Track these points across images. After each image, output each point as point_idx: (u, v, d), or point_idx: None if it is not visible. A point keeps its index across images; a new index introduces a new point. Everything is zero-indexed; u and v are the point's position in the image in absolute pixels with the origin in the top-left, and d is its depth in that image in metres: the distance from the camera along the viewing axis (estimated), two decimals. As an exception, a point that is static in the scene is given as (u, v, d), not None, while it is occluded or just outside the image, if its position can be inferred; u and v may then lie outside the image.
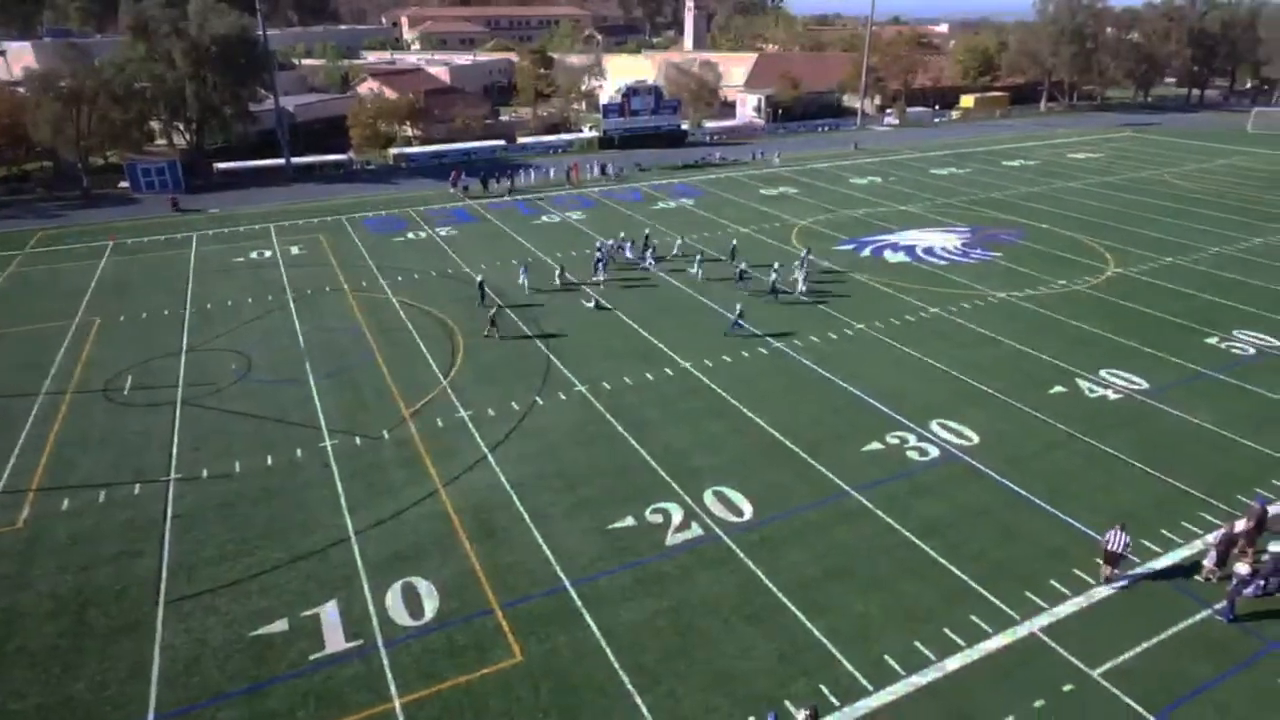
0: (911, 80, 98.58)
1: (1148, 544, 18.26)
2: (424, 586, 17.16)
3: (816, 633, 15.89)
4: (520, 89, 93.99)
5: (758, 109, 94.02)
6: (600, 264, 36.76)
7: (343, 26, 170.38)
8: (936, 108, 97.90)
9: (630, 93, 73.97)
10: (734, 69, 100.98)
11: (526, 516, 19.54)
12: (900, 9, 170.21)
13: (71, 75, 54.67)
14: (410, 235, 45.03)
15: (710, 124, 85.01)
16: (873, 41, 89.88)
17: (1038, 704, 14.27)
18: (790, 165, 65.47)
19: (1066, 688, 14.63)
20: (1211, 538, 17.63)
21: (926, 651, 15.41)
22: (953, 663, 15.17)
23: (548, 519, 19.44)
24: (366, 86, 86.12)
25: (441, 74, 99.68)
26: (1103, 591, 16.96)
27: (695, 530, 18.99)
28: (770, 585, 17.18)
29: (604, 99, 77.83)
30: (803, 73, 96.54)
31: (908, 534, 18.83)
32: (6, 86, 60.04)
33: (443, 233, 45.42)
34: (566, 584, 17.26)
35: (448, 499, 20.25)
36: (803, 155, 70.25)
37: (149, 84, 59.46)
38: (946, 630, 15.91)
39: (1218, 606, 16.39)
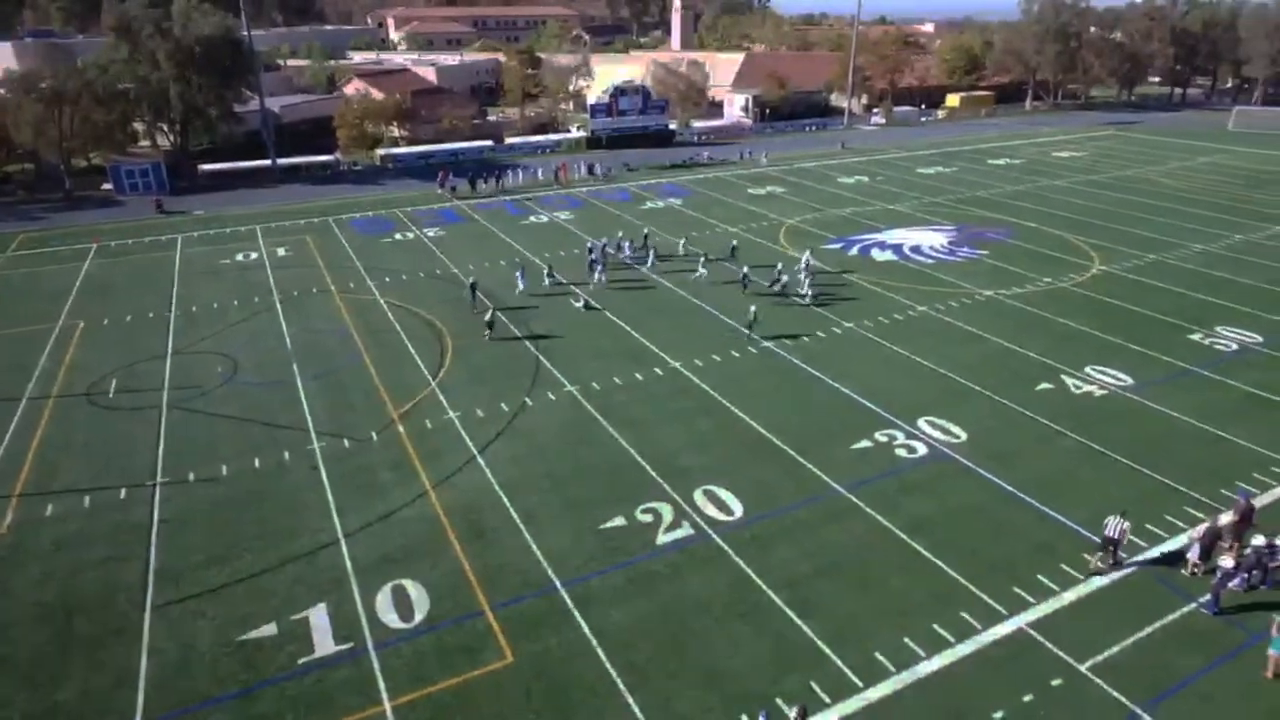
0: (898, 80, 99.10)
1: (1133, 539, 18.39)
2: (414, 589, 17.10)
3: (807, 630, 15.94)
4: (507, 89, 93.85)
5: (745, 109, 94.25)
6: (600, 266, 36.27)
7: (328, 27, 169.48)
8: (923, 107, 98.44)
9: (618, 93, 73.94)
10: (721, 69, 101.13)
11: (516, 517, 19.50)
12: (886, 8, 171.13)
13: (53, 76, 54.18)
14: (398, 236, 44.84)
15: (698, 124, 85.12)
16: (859, 41, 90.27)
17: (1027, 698, 14.38)
18: (778, 165, 65.64)
19: (1055, 682, 14.75)
20: (1195, 532, 17.81)
21: (916, 648, 15.49)
22: (942, 659, 15.26)
23: (538, 520, 19.41)
24: (353, 87, 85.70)
25: (428, 74, 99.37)
26: (1090, 586, 17.10)
27: (686, 529, 19.01)
28: (761, 583, 17.22)
29: (592, 99, 77.79)
30: (790, 72, 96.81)
31: (897, 531, 18.93)
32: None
33: (430, 233, 45.27)
34: (557, 584, 17.24)
35: (437, 500, 20.19)
36: (790, 155, 70.45)
37: (132, 85, 58.98)
38: (936, 626, 16.00)
39: (1202, 600, 16.57)
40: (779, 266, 35.29)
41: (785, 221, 47.23)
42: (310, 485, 20.88)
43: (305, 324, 31.77)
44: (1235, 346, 29.09)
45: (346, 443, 22.92)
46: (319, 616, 16.32)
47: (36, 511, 19.93)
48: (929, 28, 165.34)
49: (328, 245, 43.05)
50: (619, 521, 19.31)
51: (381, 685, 14.74)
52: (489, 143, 73.92)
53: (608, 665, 15.17)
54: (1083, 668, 15.04)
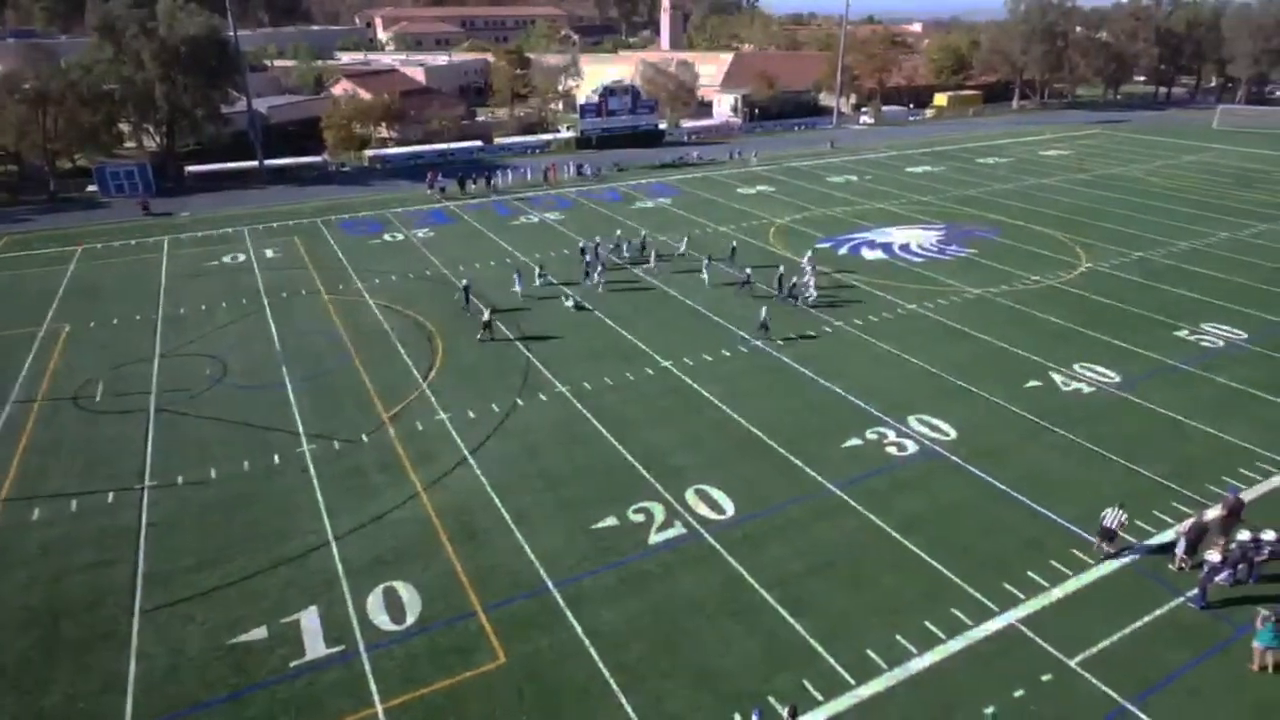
0: (886, 79, 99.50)
1: (1122, 535, 18.53)
2: (405, 590, 17.04)
3: (799, 629, 15.98)
4: (496, 89, 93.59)
5: (734, 108, 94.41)
6: (598, 267, 35.96)
7: (315, 27, 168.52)
8: (911, 106, 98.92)
9: (607, 93, 73.92)
10: (710, 68, 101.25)
11: (508, 518, 19.46)
12: (874, 8, 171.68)
13: (36, 77, 53.61)
14: (387, 237, 44.67)
15: (687, 123, 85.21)
16: (847, 41, 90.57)
17: (1018, 694, 14.47)
18: (767, 164, 65.76)
19: (1045, 677, 14.85)
20: (1182, 527, 17.97)
21: (908, 645, 15.56)
22: (934, 655, 15.33)
23: (529, 520, 19.38)
24: (341, 88, 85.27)
25: (417, 75, 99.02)
26: (1079, 581, 17.22)
27: (678, 529, 19.02)
28: (753, 582, 17.25)
29: (581, 99, 77.73)
30: (779, 72, 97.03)
31: (888, 529, 19.00)
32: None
33: (420, 234, 45.11)
34: (549, 585, 17.22)
35: (428, 502, 20.12)
36: (779, 154, 70.60)
37: (117, 85, 58.43)
38: (927, 623, 16.07)
39: (1190, 594, 16.72)
40: (781, 269, 35.07)
41: (776, 221, 47.34)
42: (300, 487, 20.77)
43: (294, 326, 31.59)
44: (1221, 343, 29.36)
45: (337, 444, 22.81)
46: (310, 619, 16.24)
47: (23, 516, 19.73)
48: (916, 27, 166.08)
49: (316, 247, 42.84)
50: (611, 521, 19.30)
51: (373, 687, 14.68)
52: (478, 143, 73.72)
53: (600, 665, 15.16)
54: (1072, 662, 15.15)
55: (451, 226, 47.02)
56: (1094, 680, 14.76)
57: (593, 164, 62.76)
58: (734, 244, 40.03)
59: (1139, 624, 16.09)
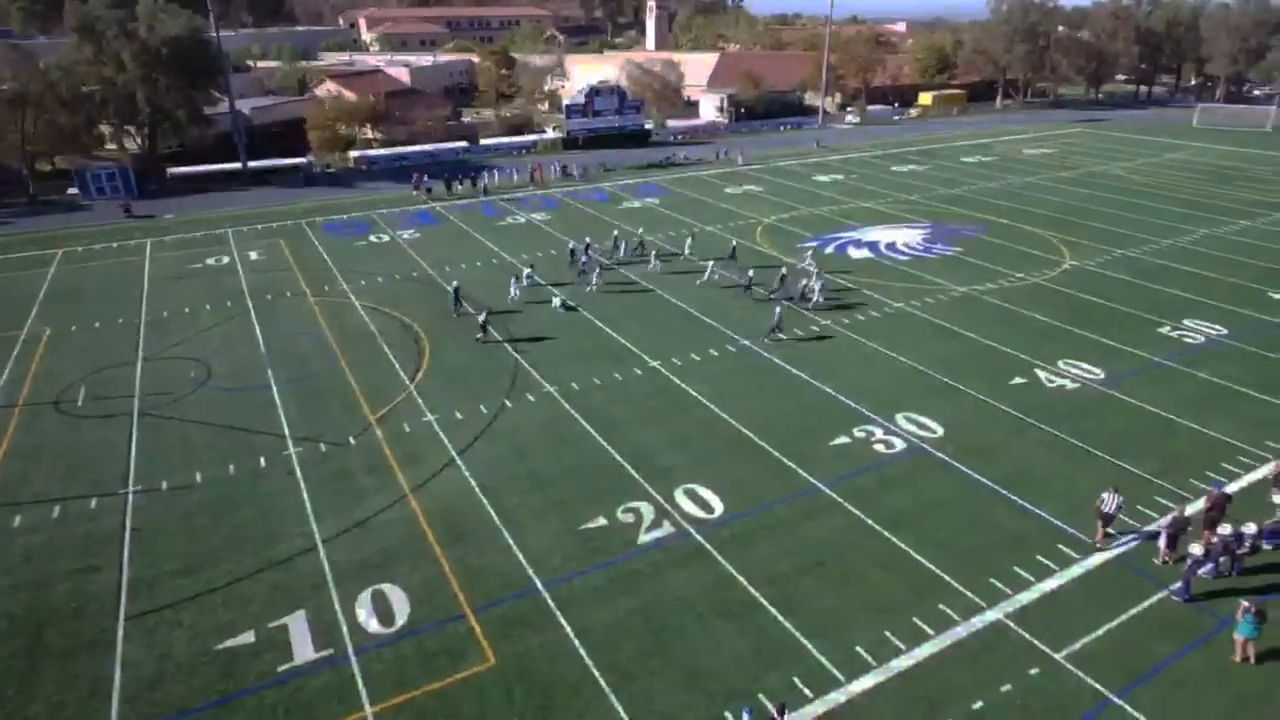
0: (871, 79, 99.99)
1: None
2: (394, 593, 16.95)
3: (788, 627, 16.03)
4: (482, 90, 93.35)
5: (720, 108, 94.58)
6: (596, 269, 35.75)
7: (299, 28, 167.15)
8: (896, 106, 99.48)
9: (593, 93, 73.83)
10: (696, 69, 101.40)
11: (497, 519, 19.41)
12: (858, 8, 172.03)
13: (14, 78, 52.85)
14: (373, 239, 44.43)
15: (674, 123, 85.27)
16: (832, 40, 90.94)
17: (1005, 688, 14.58)
18: (754, 164, 65.94)
19: (1032, 671, 14.97)
20: (1163, 522, 18.17)
21: (897, 641, 15.64)
22: (922, 651, 15.43)
23: (518, 521, 19.33)
24: (325, 88, 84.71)
25: (401, 75, 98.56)
26: (1065, 576, 17.37)
27: (667, 528, 19.03)
28: (742, 581, 17.29)
29: (567, 99, 77.62)
30: (764, 72, 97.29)
31: (876, 526, 19.09)
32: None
33: (406, 235, 44.90)
34: (539, 586, 17.18)
35: (416, 504, 20.03)
36: (766, 154, 70.78)
37: (98, 87, 57.81)
38: (916, 620, 16.17)
39: (1174, 587, 16.91)
40: (784, 271, 34.99)
41: (763, 220, 47.47)
42: (287, 491, 20.62)
43: (279, 328, 31.36)
44: (1202, 339, 29.71)
45: (323, 447, 22.67)
46: (298, 623, 16.13)
47: (5, 522, 19.48)
48: (901, 27, 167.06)
49: (301, 248, 42.55)
50: (600, 521, 19.29)
51: (362, 691, 14.60)
52: (464, 144, 73.45)
53: (590, 665, 15.15)
54: (1059, 656, 15.28)
55: (437, 227, 46.83)
56: (1080, 674, 14.90)
57: (579, 164, 62.67)
58: (734, 244, 39.92)
59: (1124, 617, 16.25)
